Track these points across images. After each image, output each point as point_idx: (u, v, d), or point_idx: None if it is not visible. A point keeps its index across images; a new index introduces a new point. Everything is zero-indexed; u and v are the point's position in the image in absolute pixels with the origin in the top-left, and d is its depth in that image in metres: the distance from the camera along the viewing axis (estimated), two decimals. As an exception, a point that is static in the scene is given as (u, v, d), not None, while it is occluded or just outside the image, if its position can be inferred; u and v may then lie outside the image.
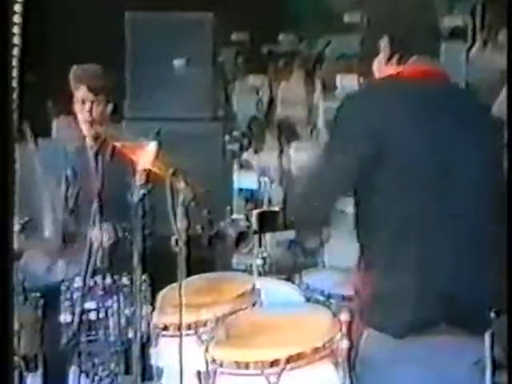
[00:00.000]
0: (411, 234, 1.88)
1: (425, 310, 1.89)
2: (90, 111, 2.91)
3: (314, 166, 1.99)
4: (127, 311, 2.72)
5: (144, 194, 2.29)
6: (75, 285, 2.74)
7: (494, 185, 1.98)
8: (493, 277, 1.98)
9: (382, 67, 2.02)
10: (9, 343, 1.91)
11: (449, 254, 1.90)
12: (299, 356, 2.08)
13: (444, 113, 1.93)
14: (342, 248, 3.08)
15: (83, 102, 2.94)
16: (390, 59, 1.99)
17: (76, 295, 2.72)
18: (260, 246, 2.92)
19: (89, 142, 2.96)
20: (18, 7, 4.32)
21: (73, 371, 2.74)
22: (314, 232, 2.32)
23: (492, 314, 2.23)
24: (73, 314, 2.71)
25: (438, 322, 1.89)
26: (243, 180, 3.66)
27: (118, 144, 2.40)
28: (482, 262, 1.95)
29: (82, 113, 2.97)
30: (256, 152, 3.93)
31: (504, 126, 2.13)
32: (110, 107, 2.99)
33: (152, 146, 2.29)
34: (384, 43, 1.99)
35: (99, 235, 2.73)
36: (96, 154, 2.89)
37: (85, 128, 2.96)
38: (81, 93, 2.94)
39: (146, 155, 2.29)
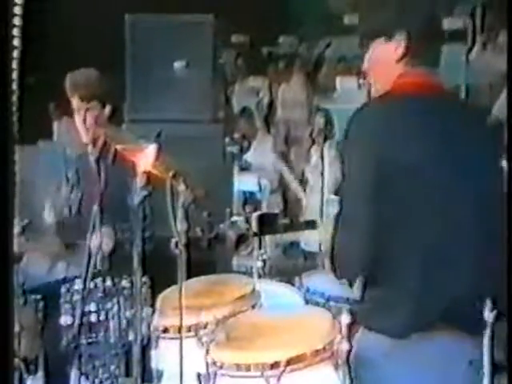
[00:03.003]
0: (412, 235, 1.90)
1: (423, 311, 1.90)
2: (84, 119, 2.93)
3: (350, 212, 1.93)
4: (127, 313, 2.72)
5: (144, 197, 2.29)
6: (75, 287, 2.74)
7: (493, 189, 1.98)
8: (491, 276, 1.98)
9: (389, 61, 1.95)
10: (9, 345, 1.91)
11: (448, 255, 1.91)
12: (299, 358, 2.08)
13: (444, 126, 1.93)
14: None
15: (77, 110, 2.96)
16: (402, 58, 1.93)
17: (76, 297, 2.72)
18: (260, 248, 2.92)
19: (89, 147, 2.96)
20: (17, 9, 4.33)
21: (73, 373, 2.74)
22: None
23: (491, 314, 2.24)
24: (73, 316, 2.71)
25: (436, 321, 1.90)
26: (243, 182, 3.66)
27: (118, 146, 2.40)
28: (480, 262, 1.96)
29: (77, 121, 2.99)
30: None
31: (503, 128, 2.14)
32: (107, 110, 2.99)
33: (152, 148, 2.29)
34: (400, 37, 1.92)
35: (99, 241, 2.73)
36: (98, 159, 2.89)
37: (82, 135, 2.98)
38: (74, 102, 2.96)
39: (145, 157, 2.29)
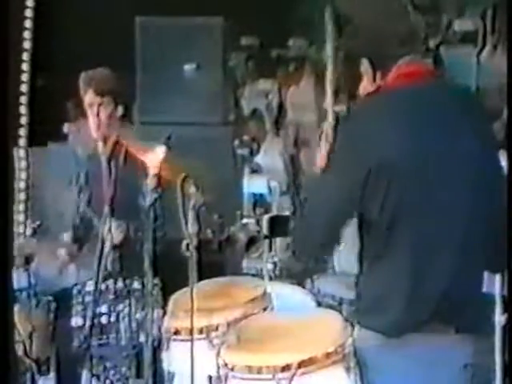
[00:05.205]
0: (403, 235, 1.90)
1: (416, 310, 1.91)
2: (98, 114, 2.93)
3: (318, 195, 1.99)
4: (138, 315, 2.72)
5: (155, 198, 2.29)
6: (87, 288, 2.75)
7: (487, 182, 1.97)
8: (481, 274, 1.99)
9: (368, 89, 2.02)
10: (9, 346, 1.92)
11: (441, 254, 1.92)
12: (311, 361, 2.08)
13: (434, 111, 1.94)
14: (352, 253, 3.08)
15: (91, 105, 2.96)
16: (374, 79, 2.00)
17: (88, 299, 2.73)
18: (270, 250, 2.92)
19: (100, 146, 2.97)
20: (28, 12, 4.35)
21: (84, 375, 2.74)
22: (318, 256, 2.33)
23: (502, 317, 2.23)
24: (84, 317, 2.72)
25: (430, 321, 1.91)
26: (253, 184, 3.66)
27: (129, 145, 2.41)
28: (475, 262, 1.96)
29: (90, 116, 2.99)
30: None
31: (488, 117, 2.14)
32: (119, 110, 2.99)
33: (160, 150, 2.30)
34: (365, 66, 2.00)
35: (109, 232, 2.73)
36: (109, 159, 2.89)
37: (93, 131, 2.98)
38: (88, 97, 2.95)
39: (155, 159, 2.30)
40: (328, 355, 2.09)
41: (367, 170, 1.88)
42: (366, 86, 2.02)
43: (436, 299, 1.91)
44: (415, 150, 1.90)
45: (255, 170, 3.89)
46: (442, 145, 1.92)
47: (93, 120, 2.94)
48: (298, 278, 2.95)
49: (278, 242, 3.16)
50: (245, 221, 3.10)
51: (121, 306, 2.75)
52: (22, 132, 4.22)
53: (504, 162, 2.07)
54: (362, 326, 1.99)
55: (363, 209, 1.92)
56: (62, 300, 2.79)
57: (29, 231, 2.79)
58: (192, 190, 2.20)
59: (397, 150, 1.89)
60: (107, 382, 2.77)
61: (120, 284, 2.77)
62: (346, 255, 3.30)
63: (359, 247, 2.00)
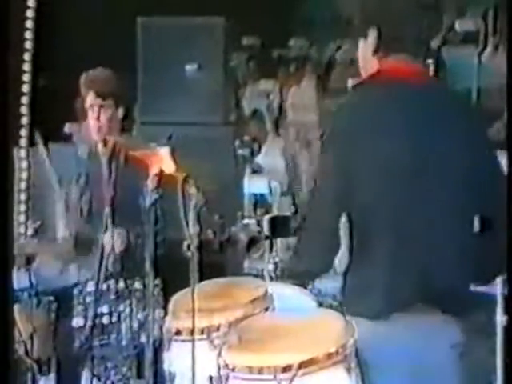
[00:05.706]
0: (382, 220, 1.93)
1: (397, 292, 1.93)
2: (98, 116, 2.93)
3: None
4: (140, 316, 2.73)
5: (156, 199, 2.29)
6: (88, 289, 2.75)
7: (470, 177, 1.99)
8: (468, 260, 2.00)
9: (367, 55, 2.05)
10: (9, 346, 1.92)
11: (420, 238, 1.94)
12: (312, 361, 2.08)
13: (424, 113, 1.96)
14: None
15: (91, 107, 2.96)
16: (376, 51, 2.02)
17: (89, 299, 2.74)
18: (271, 251, 2.92)
19: (101, 147, 2.97)
20: (30, 12, 4.36)
21: (85, 375, 2.75)
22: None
23: (504, 318, 2.22)
24: (85, 318, 2.72)
25: (414, 303, 1.92)
26: (254, 185, 3.67)
27: (130, 152, 2.42)
28: (456, 245, 1.97)
29: (91, 118, 2.99)
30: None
31: (484, 119, 2.18)
32: (120, 112, 3.00)
33: (164, 151, 2.30)
34: (373, 33, 2.02)
35: (111, 241, 2.74)
36: (109, 160, 2.90)
37: (93, 133, 2.98)
38: (89, 98, 2.96)
39: (159, 160, 2.30)
40: (329, 356, 2.09)
41: (361, 158, 1.91)
42: (366, 50, 2.03)
43: (418, 281, 1.92)
44: (410, 146, 1.92)
45: (256, 171, 3.90)
46: (435, 145, 1.94)
47: (93, 122, 2.95)
48: (299, 278, 2.94)
49: (279, 242, 3.16)
50: (246, 221, 3.11)
51: (122, 307, 2.75)
52: (23, 132, 4.23)
53: (504, 162, 2.08)
54: (350, 315, 2.01)
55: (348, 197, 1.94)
56: (63, 300, 2.79)
57: (30, 231, 2.79)
58: (193, 190, 2.20)
59: (391, 143, 1.91)
60: (108, 382, 2.77)
61: (121, 284, 2.77)
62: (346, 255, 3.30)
63: (347, 240, 2.01)
